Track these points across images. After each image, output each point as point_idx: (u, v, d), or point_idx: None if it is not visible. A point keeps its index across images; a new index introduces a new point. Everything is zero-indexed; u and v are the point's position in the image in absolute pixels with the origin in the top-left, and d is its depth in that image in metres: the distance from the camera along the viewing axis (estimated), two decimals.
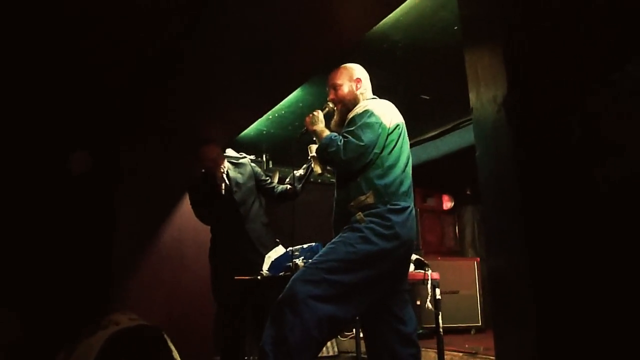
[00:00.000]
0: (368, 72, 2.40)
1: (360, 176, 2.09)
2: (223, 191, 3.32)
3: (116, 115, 3.80)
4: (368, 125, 2.08)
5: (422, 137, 5.06)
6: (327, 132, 2.22)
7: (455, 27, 3.02)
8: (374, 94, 2.39)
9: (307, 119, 2.31)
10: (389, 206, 2.03)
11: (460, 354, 3.90)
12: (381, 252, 1.97)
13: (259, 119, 4.19)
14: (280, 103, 3.90)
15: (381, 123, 2.11)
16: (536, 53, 1.00)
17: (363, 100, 2.29)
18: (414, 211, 2.14)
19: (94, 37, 2.77)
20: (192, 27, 2.49)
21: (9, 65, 2.98)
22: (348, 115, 2.24)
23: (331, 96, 2.34)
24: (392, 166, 2.11)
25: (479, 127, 1.15)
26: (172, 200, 4.19)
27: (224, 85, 3.41)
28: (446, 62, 3.40)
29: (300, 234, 3.14)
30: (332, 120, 2.35)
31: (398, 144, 2.16)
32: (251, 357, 3.44)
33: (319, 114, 2.30)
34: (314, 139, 2.32)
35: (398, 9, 2.76)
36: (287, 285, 1.95)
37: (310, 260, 2.07)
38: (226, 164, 3.45)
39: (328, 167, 2.36)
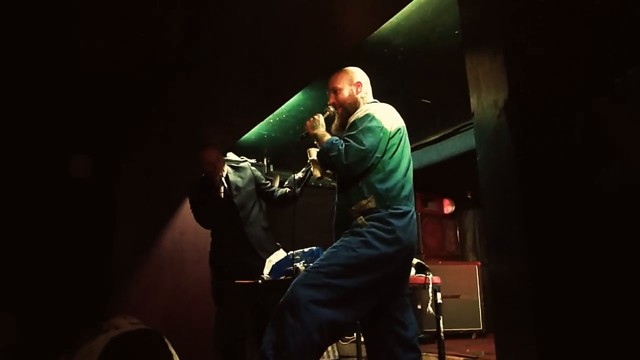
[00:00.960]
0: (369, 76, 2.40)
1: (361, 180, 2.09)
2: (222, 194, 3.32)
3: (117, 118, 3.81)
4: (369, 130, 2.08)
5: (423, 141, 5.06)
6: (328, 136, 2.22)
7: (456, 32, 3.03)
8: (375, 98, 2.39)
9: (308, 122, 2.32)
10: (390, 210, 2.03)
11: (462, 358, 3.88)
12: (382, 256, 1.97)
13: (260, 123, 4.19)
14: (281, 107, 3.90)
15: (382, 127, 2.11)
16: (537, 58, 1.00)
17: (364, 104, 2.29)
18: (415, 215, 2.14)
19: (95, 39, 2.78)
20: (193, 31, 2.50)
21: (9, 68, 2.99)
22: (349, 119, 2.23)
23: (331, 100, 2.34)
24: (394, 170, 2.11)
25: (480, 131, 1.15)
26: (172, 204, 4.19)
27: (225, 88, 3.42)
28: (447, 67, 3.40)
29: (301, 237, 3.14)
30: (332, 124, 2.35)
31: (399, 148, 2.16)
32: None
33: (320, 118, 2.31)
34: (315, 142, 2.32)
35: (399, 13, 2.76)
36: (288, 290, 1.95)
37: (311, 265, 2.07)
38: (226, 168, 3.46)
39: (327, 171, 2.37)
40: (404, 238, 2.02)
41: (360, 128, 2.09)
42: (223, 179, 3.39)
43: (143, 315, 2.70)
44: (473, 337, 5.32)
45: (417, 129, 4.83)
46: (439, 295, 2.83)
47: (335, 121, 2.34)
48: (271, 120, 4.27)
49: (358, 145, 2.04)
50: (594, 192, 0.93)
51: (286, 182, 3.42)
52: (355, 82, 2.32)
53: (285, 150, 4.92)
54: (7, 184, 3.38)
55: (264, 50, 2.94)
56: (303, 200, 3.30)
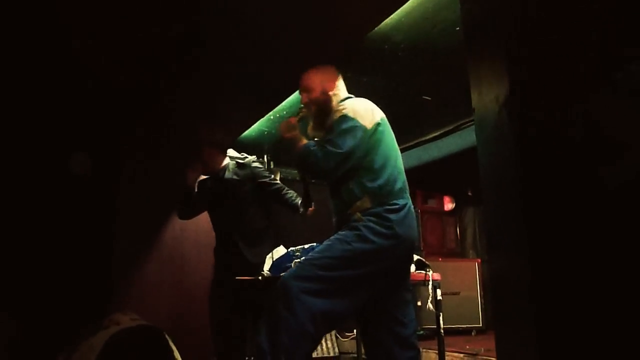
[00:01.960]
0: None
1: (352, 182, 2.06)
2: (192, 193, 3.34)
3: (117, 115, 3.81)
4: (347, 132, 2.03)
5: (423, 138, 5.05)
6: (303, 141, 2.15)
7: (457, 28, 3.02)
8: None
9: (282, 126, 2.24)
10: (386, 207, 2.01)
11: (461, 355, 3.89)
12: (378, 249, 1.95)
13: (261, 120, 4.19)
14: (282, 104, 3.90)
15: (360, 126, 2.06)
16: (538, 53, 1.00)
17: (337, 101, 2.23)
18: (412, 207, 2.11)
19: (95, 37, 2.78)
20: (193, 29, 2.49)
21: (8, 66, 2.98)
22: (326, 120, 2.18)
23: (304, 100, 2.28)
24: (383, 166, 2.08)
25: (481, 128, 1.15)
26: (172, 201, 4.19)
27: (225, 85, 3.42)
28: (448, 63, 3.39)
29: (302, 234, 3.13)
30: (308, 125, 2.29)
31: (384, 142, 2.12)
32: (252, 358, 3.43)
33: (294, 121, 2.23)
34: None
35: (400, 10, 2.76)
36: (280, 281, 1.94)
37: (304, 257, 2.06)
38: (230, 165, 3.44)
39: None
40: (402, 232, 1.99)
41: (337, 131, 2.04)
42: (219, 177, 3.36)
43: (144, 312, 2.71)
44: (473, 333, 5.33)
45: (417, 126, 4.82)
46: (439, 292, 2.84)
47: (311, 123, 2.28)
48: (272, 117, 4.27)
49: (335, 150, 2.00)
50: (595, 188, 0.93)
51: (296, 199, 3.33)
52: (327, 80, 2.26)
53: (285, 147, 4.91)
54: (7, 183, 3.38)
55: (265, 47, 2.94)
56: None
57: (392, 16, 2.80)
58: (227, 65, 3.15)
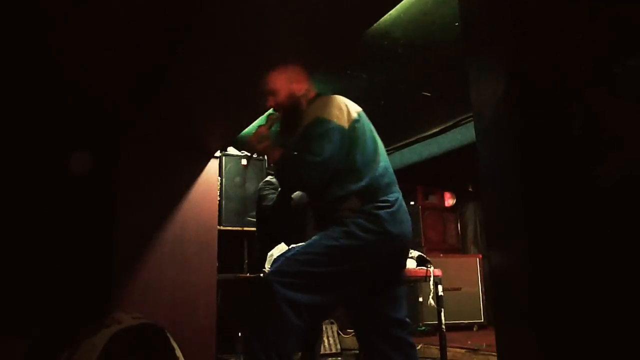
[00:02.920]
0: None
1: (334, 186, 1.93)
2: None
3: (116, 113, 3.80)
4: (323, 136, 1.89)
5: (423, 134, 5.04)
6: (278, 152, 2.04)
7: (457, 23, 3.01)
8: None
9: (252, 138, 2.11)
10: (376, 203, 1.91)
11: (463, 350, 3.90)
12: (366, 246, 1.87)
13: (260, 117, 4.19)
14: None
15: (337, 127, 1.92)
16: (536, 48, 1.00)
17: (306, 101, 2.12)
18: (402, 201, 2.01)
19: (93, 36, 2.77)
20: (188, 24, 2.47)
21: (7, 66, 2.98)
22: (298, 124, 2.06)
23: (270, 103, 2.16)
24: (368, 163, 1.96)
25: (480, 123, 1.14)
26: (173, 198, 4.19)
27: (223, 82, 3.41)
28: (447, 59, 3.39)
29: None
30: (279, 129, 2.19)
31: (363, 138, 1.99)
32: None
33: (265, 131, 2.12)
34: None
35: (398, 6, 2.74)
36: (264, 276, 1.90)
37: (289, 253, 1.98)
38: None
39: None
40: (393, 229, 1.90)
41: (312, 136, 1.91)
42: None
43: (145, 310, 2.71)
44: (474, 329, 5.35)
45: (417, 122, 4.82)
46: (440, 287, 2.84)
47: (280, 127, 2.17)
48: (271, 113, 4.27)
49: (314, 158, 1.86)
50: (595, 183, 0.93)
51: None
52: (293, 79, 2.14)
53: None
54: (6, 180, 3.38)
55: (261, 43, 2.92)
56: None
57: (390, 12, 2.79)
58: (225, 61, 3.13)
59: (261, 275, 2.82)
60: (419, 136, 5.06)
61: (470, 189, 6.79)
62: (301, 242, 2.68)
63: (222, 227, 4.22)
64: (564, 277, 0.92)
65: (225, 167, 4.54)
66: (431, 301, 2.86)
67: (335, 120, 1.93)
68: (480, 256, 5.78)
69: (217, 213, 4.01)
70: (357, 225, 1.87)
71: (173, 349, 1.98)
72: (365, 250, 1.88)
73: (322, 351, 4.69)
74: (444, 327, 2.79)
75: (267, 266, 2.96)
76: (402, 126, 4.79)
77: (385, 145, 2.19)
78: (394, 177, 2.05)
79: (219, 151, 4.16)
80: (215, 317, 3.67)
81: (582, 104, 0.92)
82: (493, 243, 1.14)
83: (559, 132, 0.96)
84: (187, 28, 2.50)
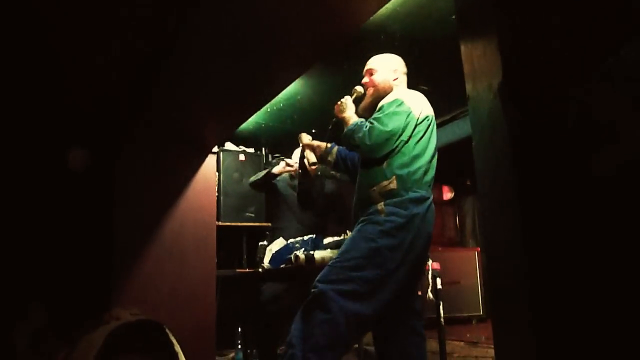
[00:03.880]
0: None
1: (385, 162, 2.09)
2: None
3: (115, 111, 3.79)
4: (396, 113, 2.09)
5: None
6: (355, 119, 2.22)
7: (453, 17, 3.00)
8: None
9: (336, 107, 2.32)
10: (410, 194, 2.04)
11: (462, 343, 3.91)
12: (402, 244, 1.98)
13: (257, 112, 4.17)
14: (278, 96, 3.88)
15: (410, 112, 2.11)
16: (531, 40, 1.00)
17: (394, 88, 2.29)
18: (432, 205, 2.15)
19: (91, 35, 2.76)
20: (184, 19, 2.46)
21: (7, 65, 2.97)
22: (379, 103, 2.24)
23: (365, 80, 2.34)
24: (418, 156, 2.11)
25: (476, 116, 1.14)
26: (171, 194, 4.19)
27: (221, 78, 3.40)
28: (444, 52, 3.37)
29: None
30: (359, 105, 2.35)
31: (426, 135, 2.16)
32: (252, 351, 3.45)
33: (347, 101, 2.31)
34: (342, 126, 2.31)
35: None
36: (313, 286, 1.95)
37: (333, 259, 2.07)
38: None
39: (320, 163, 2.42)
40: (421, 226, 2.04)
41: (386, 112, 2.11)
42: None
43: (145, 306, 2.71)
44: (473, 322, 5.36)
45: None
46: (438, 281, 2.85)
47: (364, 101, 2.33)
48: (268, 110, 4.26)
49: (382, 127, 2.05)
50: (590, 175, 0.93)
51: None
52: (394, 68, 2.33)
53: (282, 139, 4.91)
54: (7, 181, 3.37)
55: (259, 37, 2.91)
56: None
57: (387, 5, 2.77)
58: (223, 56, 3.12)
59: (262, 268, 2.82)
60: None
61: (468, 183, 6.79)
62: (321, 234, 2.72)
63: (220, 223, 4.22)
64: (560, 270, 0.92)
65: (224, 163, 4.53)
66: (430, 294, 2.87)
67: (410, 106, 2.13)
68: (479, 249, 5.79)
69: (216, 209, 4.01)
70: (391, 222, 1.99)
71: (172, 345, 1.98)
72: (402, 248, 1.98)
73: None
74: (442, 320, 2.80)
75: (266, 260, 2.96)
76: None
77: None
78: (433, 182, 2.19)
79: (217, 146, 4.15)
80: (215, 312, 3.67)
81: (576, 95, 0.92)
82: (488, 236, 1.14)
83: (553, 124, 0.96)
84: (183, 24, 2.50)
